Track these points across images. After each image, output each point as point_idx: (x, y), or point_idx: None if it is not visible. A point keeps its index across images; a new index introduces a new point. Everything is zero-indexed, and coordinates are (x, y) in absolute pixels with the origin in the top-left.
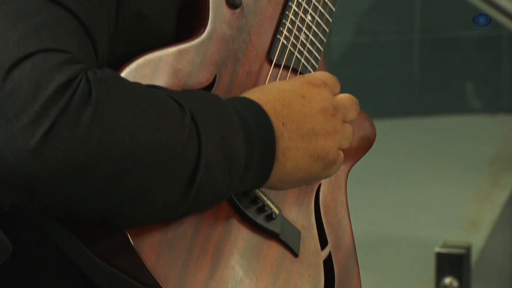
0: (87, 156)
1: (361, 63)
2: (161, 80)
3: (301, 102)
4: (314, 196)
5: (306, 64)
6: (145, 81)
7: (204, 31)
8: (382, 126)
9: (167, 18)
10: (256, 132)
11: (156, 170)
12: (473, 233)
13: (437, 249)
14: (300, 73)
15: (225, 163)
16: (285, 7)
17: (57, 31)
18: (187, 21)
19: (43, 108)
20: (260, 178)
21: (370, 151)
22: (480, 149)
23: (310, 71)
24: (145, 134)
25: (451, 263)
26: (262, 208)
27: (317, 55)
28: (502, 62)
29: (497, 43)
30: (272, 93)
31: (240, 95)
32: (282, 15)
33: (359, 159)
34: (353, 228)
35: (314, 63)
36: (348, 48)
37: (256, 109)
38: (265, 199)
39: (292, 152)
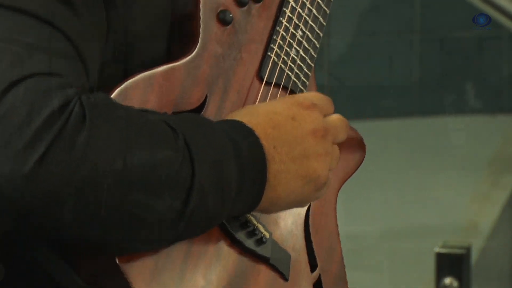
0: (82, 181)
1: (361, 63)
2: (152, 101)
3: (292, 124)
4: (304, 217)
5: (296, 81)
6: (135, 103)
7: (194, 49)
8: (382, 126)
9: (157, 37)
10: (248, 156)
11: (150, 194)
12: (473, 233)
13: (437, 249)
14: (291, 91)
15: (217, 186)
16: (276, 22)
17: (49, 53)
18: (178, 39)
19: (38, 132)
20: (251, 202)
21: (369, 151)
22: (480, 149)
23: (300, 89)
24: (139, 158)
25: (451, 263)
26: (253, 232)
27: (307, 71)
28: (502, 62)
29: (497, 43)
30: (262, 115)
31: (230, 117)
32: (273, 30)
33: (348, 177)
34: (353, 228)
35: (305, 80)
36: (348, 48)
37: (246, 132)
38: (256, 222)
39: (283, 175)
